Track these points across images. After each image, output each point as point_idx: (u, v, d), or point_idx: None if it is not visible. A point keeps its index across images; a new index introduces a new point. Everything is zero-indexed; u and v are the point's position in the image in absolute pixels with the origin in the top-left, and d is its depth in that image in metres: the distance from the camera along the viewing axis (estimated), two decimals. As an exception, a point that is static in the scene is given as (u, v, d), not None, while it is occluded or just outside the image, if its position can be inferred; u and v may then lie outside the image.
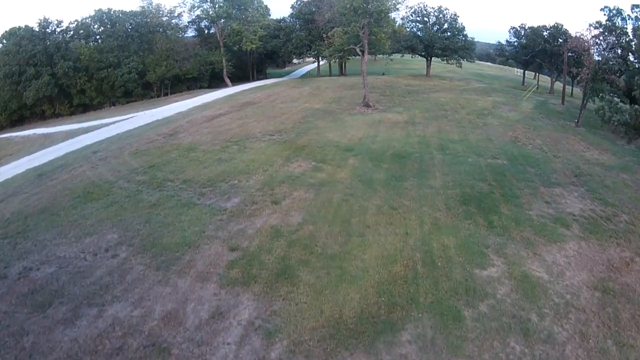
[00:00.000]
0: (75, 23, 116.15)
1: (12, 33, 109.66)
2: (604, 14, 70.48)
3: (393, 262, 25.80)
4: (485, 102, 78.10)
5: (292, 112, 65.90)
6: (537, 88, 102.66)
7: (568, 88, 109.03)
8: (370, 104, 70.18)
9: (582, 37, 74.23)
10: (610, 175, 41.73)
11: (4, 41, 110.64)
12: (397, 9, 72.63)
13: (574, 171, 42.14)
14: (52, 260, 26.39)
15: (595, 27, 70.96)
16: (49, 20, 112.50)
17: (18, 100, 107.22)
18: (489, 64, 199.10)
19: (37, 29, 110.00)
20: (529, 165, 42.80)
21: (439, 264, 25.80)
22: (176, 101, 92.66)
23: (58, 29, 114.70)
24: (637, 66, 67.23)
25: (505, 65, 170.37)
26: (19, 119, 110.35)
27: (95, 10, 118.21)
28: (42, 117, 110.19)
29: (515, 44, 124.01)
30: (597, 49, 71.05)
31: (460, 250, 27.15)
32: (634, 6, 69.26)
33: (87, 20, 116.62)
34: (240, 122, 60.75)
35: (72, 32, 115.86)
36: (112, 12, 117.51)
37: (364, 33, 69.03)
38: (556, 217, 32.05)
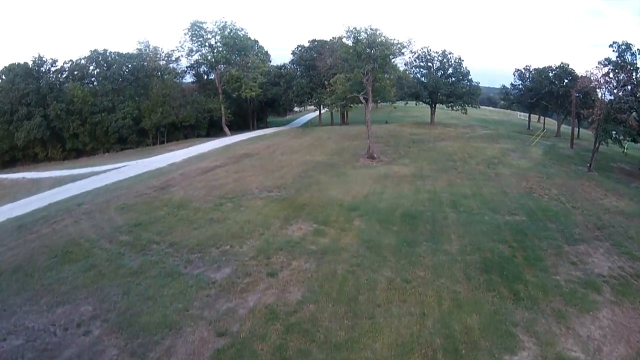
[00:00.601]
0: (70, 63, 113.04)
1: (10, 69, 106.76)
2: (613, 50, 68.63)
3: (409, 352, 21.73)
4: (494, 149, 75.85)
5: (292, 165, 62.25)
6: (545, 132, 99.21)
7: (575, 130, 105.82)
8: (375, 155, 66.55)
9: (591, 75, 71.04)
10: (633, 225, 40.10)
11: (3, 77, 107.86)
12: (402, 54, 69.47)
13: (595, 223, 39.87)
14: (20, 330, 23.49)
15: (605, 65, 68.58)
16: (44, 59, 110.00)
17: (10, 141, 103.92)
18: (490, 108, 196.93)
19: (31, 67, 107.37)
20: (549, 221, 39.85)
21: (463, 351, 21.87)
22: (172, 150, 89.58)
23: (53, 68, 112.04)
24: None
25: (509, 110, 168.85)
26: (10, 160, 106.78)
27: (90, 50, 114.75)
28: (34, 160, 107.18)
29: (520, 87, 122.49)
30: (607, 87, 68.59)
31: (486, 332, 23.29)
32: None
33: (82, 61, 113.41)
34: (236, 175, 57.05)
35: (66, 73, 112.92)
36: (107, 54, 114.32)
37: (367, 80, 65.80)
38: (585, 281, 29.13)
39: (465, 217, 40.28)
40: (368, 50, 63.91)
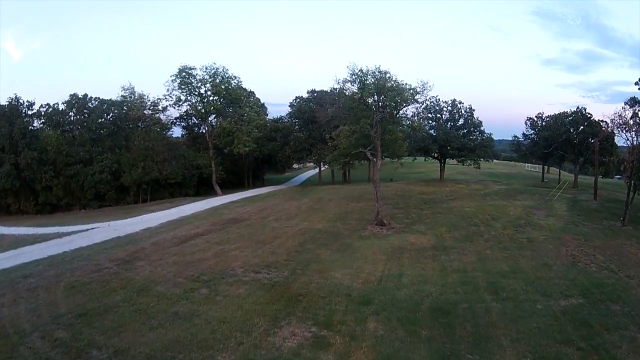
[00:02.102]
0: (47, 107, 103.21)
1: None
2: (639, 88, 65.02)
3: None
4: (515, 208, 67.96)
5: (287, 235, 52.58)
6: (566, 185, 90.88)
7: (588, 178, 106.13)
8: (385, 221, 56.77)
9: (619, 116, 63.01)
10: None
11: None
12: (416, 100, 58.84)
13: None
14: None
15: (631, 105, 63.05)
16: (20, 100, 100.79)
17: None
18: (495, 161, 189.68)
19: (6, 109, 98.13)
20: (609, 301, 31.87)
21: None
22: (152, 211, 79.55)
23: (29, 112, 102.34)
24: None
25: (519, 162, 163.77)
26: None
27: (70, 95, 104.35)
28: (7, 212, 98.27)
29: (532, 136, 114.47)
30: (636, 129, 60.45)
31: None
32: None
33: (62, 106, 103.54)
34: (218, 248, 47.09)
35: (43, 118, 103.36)
36: (87, 99, 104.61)
37: (376, 132, 56.09)
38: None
39: (512, 308, 30.71)
40: (376, 97, 55.01)
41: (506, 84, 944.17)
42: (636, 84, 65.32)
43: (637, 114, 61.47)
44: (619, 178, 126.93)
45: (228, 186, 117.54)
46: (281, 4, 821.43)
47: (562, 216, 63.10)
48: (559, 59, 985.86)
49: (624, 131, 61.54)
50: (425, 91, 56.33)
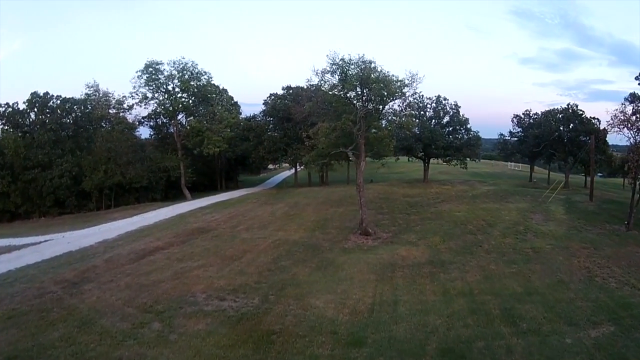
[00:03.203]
0: (6, 107, 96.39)
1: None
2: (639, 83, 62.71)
3: None
4: (510, 212, 63.02)
5: (258, 249, 46.33)
6: (560, 185, 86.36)
7: (578, 178, 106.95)
8: (370, 230, 50.80)
9: (621, 113, 58.90)
10: None
11: None
12: (404, 94, 52.25)
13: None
14: None
15: (631, 101, 61.37)
16: None
17: None
18: (481, 161, 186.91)
19: None
20: None
21: None
22: (114, 219, 72.86)
23: None
24: None
25: (501, 161, 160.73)
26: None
27: (31, 94, 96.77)
28: None
29: (519, 134, 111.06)
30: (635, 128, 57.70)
31: None
32: None
33: (21, 106, 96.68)
34: (179, 267, 40.71)
35: (2, 120, 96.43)
36: (48, 97, 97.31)
37: (359, 130, 50.07)
38: None
39: (538, 345, 25.28)
40: (360, 89, 49.12)
41: (485, 83, 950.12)
42: (636, 78, 62.86)
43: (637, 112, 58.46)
44: (600, 176, 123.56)
45: (200, 189, 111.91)
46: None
47: (561, 220, 58.90)
48: (537, 57, 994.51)
49: (626, 128, 57.94)
50: (414, 83, 50.23)
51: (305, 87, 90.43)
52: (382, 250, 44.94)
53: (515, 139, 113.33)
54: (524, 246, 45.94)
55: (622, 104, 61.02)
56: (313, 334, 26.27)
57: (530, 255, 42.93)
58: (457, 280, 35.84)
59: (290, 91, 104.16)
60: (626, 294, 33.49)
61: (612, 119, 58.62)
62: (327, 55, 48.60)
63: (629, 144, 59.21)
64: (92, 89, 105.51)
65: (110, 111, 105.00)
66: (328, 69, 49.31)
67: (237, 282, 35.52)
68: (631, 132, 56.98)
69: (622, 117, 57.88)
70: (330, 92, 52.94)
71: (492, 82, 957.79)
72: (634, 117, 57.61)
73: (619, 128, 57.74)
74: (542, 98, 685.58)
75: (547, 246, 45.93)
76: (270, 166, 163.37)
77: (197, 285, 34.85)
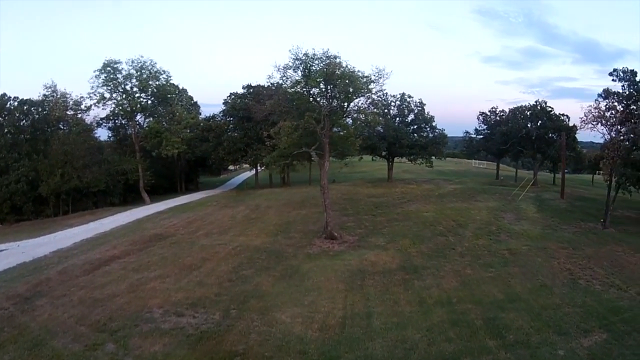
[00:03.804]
0: None
1: None
2: (613, 79, 61.48)
3: None
4: (480, 211, 62.16)
5: (218, 257, 43.87)
6: (530, 183, 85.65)
7: (545, 175, 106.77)
8: (335, 233, 48.85)
9: (594, 110, 58.66)
10: None
11: None
12: (370, 91, 50.35)
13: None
14: None
15: (604, 97, 60.04)
16: None
17: None
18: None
19: None
20: (636, 332, 26.84)
21: None
22: (71, 226, 69.78)
23: None
24: None
25: (465, 159, 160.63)
26: None
27: None
28: None
29: (485, 132, 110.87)
30: (611, 123, 57.94)
31: None
32: None
33: None
34: (135, 278, 38.15)
35: None
36: (5, 99, 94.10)
37: (323, 128, 48.07)
38: None
39: (529, 358, 23.99)
40: (324, 86, 47.15)
41: (448, 81, 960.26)
42: (610, 74, 61.53)
43: (615, 106, 58.56)
44: (566, 172, 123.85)
45: (159, 192, 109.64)
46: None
47: (534, 219, 58.41)
48: (501, 56, 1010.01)
49: (600, 124, 57.92)
50: (381, 79, 48.47)
51: (266, 85, 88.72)
52: (349, 255, 43.03)
53: (481, 136, 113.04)
54: (499, 248, 44.85)
55: (596, 100, 60.63)
56: (280, 354, 24.12)
57: (507, 258, 41.79)
58: (432, 288, 34.12)
59: (251, 90, 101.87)
60: (613, 296, 32.79)
61: (585, 115, 58.48)
62: (290, 51, 46.51)
63: (602, 140, 59.35)
64: (50, 89, 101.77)
65: (68, 112, 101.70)
66: (290, 64, 47.29)
67: (196, 295, 33.26)
68: (606, 128, 56.83)
69: (597, 114, 57.69)
70: (292, 90, 50.65)
71: (455, 81, 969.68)
72: (609, 114, 57.53)
73: (592, 124, 57.43)
74: (505, 96, 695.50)
75: (523, 247, 45.04)
76: (231, 167, 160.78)
77: (154, 299, 32.51)
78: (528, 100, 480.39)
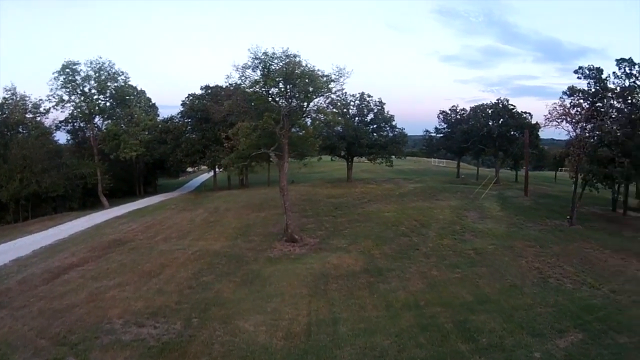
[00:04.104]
0: None
1: None
2: (579, 77, 62.67)
3: None
4: (443, 210, 61.94)
5: (178, 262, 42.36)
6: (492, 180, 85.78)
7: (507, 173, 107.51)
8: (296, 236, 47.75)
9: (559, 107, 59.45)
10: None
11: None
12: (330, 90, 49.38)
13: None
14: None
15: (569, 95, 61.08)
16: None
17: None
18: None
19: None
20: (612, 331, 26.73)
21: None
22: (30, 232, 66.91)
23: None
24: None
25: (424, 157, 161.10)
26: None
27: None
28: None
29: (445, 130, 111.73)
30: (575, 120, 58.59)
31: None
32: (620, 61, 61.28)
33: None
34: (94, 286, 36.50)
35: None
36: None
37: (282, 129, 46.97)
38: None
39: None
40: (283, 85, 46.06)
41: (407, 80, 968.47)
42: (575, 72, 62.48)
43: (581, 103, 59.64)
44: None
45: (118, 195, 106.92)
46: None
47: (498, 218, 58.41)
48: (460, 55, 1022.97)
49: (565, 122, 58.69)
50: (342, 78, 47.63)
51: (225, 85, 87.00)
52: (311, 258, 41.93)
53: (441, 135, 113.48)
54: (464, 247, 44.36)
55: (561, 97, 61.59)
56: (245, 363, 22.87)
57: (474, 258, 41.25)
58: (399, 291, 33.23)
59: (209, 90, 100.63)
60: (585, 295, 32.72)
61: (550, 112, 59.08)
62: (249, 50, 45.33)
63: (567, 137, 59.93)
64: (9, 92, 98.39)
65: (27, 116, 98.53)
66: (249, 64, 46.21)
67: (156, 304, 31.87)
68: (571, 125, 57.28)
69: (562, 111, 58.19)
70: (251, 89, 49.51)
71: (414, 80, 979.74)
72: (574, 111, 58.12)
73: (557, 122, 57.99)
74: (464, 95, 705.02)
75: (489, 246, 44.66)
76: (189, 169, 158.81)
77: (114, 309, 31.06)
78: (487, 98, 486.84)
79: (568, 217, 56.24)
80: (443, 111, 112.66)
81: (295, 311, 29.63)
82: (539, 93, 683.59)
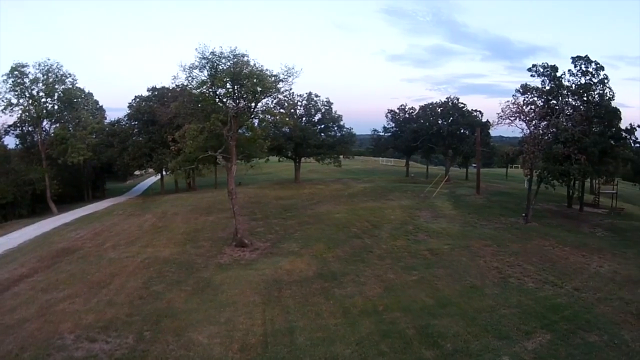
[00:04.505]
0: None
1: None
2: (532, 75, 64.45)
3: None
4: (394, 210, 61.86)
5: (127, 271, 40.55)
6: (443, 178, 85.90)
7: (457, 170, 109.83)
8: (246, 240, 46.51)
9: (513, 105, 58.99)
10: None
11: None
12: (279, 90, 48.35)
13: (633, 312, 28.99)
14: None
15: (522, 93, 62.55)
16: None
17: None
18: (355, 157, 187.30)
19: None
20: (581, 330, 26.37)
21: None
22: (-20, 242, 65.54)
23: None
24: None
25: (370, 157, 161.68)
26: None
27: None
28: None
29: (394, 129, 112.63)
30: (528, 118, 58.37)
31: None
32: (575, 59, 62.63)
33: None
34: (44, 299, 34.63)
35: None
36: None
37: (229, 131, 45.54)
38: None
39: None
40: (231, 86, 44.76)
41: (354, 80, 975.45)
42: (529, 69, 63.92)
43: (535, 101, 60.50)
44: (474, 166, 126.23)
45: (67, 200, 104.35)
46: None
47: (452, 216, 58.49)
48: (407, 54, 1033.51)
49: (519, 119, 58.50)
50: (291, 78, 46.66)
51: (172, 87, 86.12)
52: (262, 264, 40.65)
53: (389, 134, 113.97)
54: (419, 248, 43.71)
55: (514, 95, 62.76)
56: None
57: (430, 259, 40.58)
58: (355, 296, 32.12)
59: (156, 92, 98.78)
60: (549, 294, 32.31)
61: (503, 110, 58.91)
62: (197, 49, 43.92)
63: (521, 135, 59.98)
64: None
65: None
66: (197, 64, 44.91)
67: (107, 316, 30.19)
68: (525, 122, 57.20)
69: (515, 109, 58.12)
70: (198, 90, 47.90)
71: (361, 79, 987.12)
72: (528, 108, 58.23)
73: (510, 120, 57.84)
74: (411, 93, 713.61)
75: (445, 247, 44.18)
76: (137, 172, 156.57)
77: (65, 323, 29.34)
78: (434, 97, 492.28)
79: (523, 214, 56.43)
80: (391, 110, 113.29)
81: (249, 321, 28.32)
82: (486, 91, 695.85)
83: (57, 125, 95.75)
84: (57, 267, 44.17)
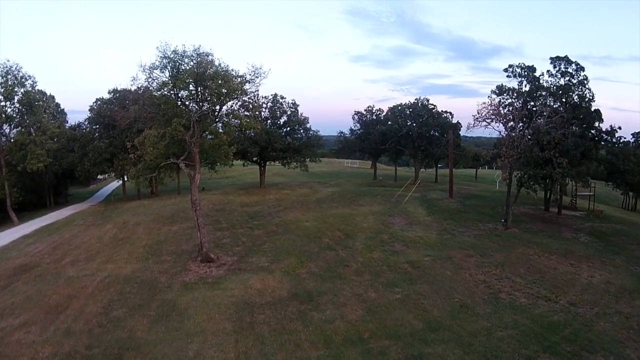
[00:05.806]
0: None
1: None
2: (508, 76, 63.08)
3: None
4: (366, 217, 59.67)
5: (86, 292, 37.34)
6: (414, 182, 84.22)
7: (425, 172, 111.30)
8: (212, 255, 43.70)
9: (489, 107, 57.80)
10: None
11: None
12: (245, 92, 45.34)
13: (633, 327, 28.34)
14: None
15: (498, 94, 61.61)
16: None
17: None
18: (322, 160, 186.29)
19: None
20: (585, 351, 25.25)
21: None
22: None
23: None
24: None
25: (334, 158, 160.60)
26: None
27: None
28: None
29: (360, 131, 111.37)
30: (505, 120, 57.44)
31: None
32: (555, 59, 61.32)
33: None
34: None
35: None
36: None
37: (192, 136, 42.76)
38: None
39: None
40: (194, 87, 42.25)
41: (318, 81, 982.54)
42: (505, 70, 62.92)
43: (513, 102, 60.04)
44: (440, 167, 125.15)
45: (29, 208, 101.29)
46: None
47: (427, 223, 56.55)
48: (369, 55, 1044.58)
49: (494, 121, 57.30)
50: (258, 79, 44.05)
51: (133, 88, 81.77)
52: (230, 282, 37.69)
53: (355, 136, 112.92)
54: (398, 260, 41.63)
55: (489, 96, 62.27)
56: None
57: (411, 273, 38.49)
58: (336, 321, 29.47)
59: (117, 94, 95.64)
60: (544, 310, 30.96)
61: (479, 112, 57.77)
62: (158, 48, 40.96)
63: (499, 136, 59.07)
64: None
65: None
66: (157, 63, 41.92)
67: (65, 349, 27.25)
68: (501, 123, 56.26)
69: (492, 110, 57.02)
70: (159, 93, 45.03)
71: (324, 80, 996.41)
72: (505, 110, 57.53)
73: (486, 121, 56.68)
74: (374, 94, 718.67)
75: (425, 258, 42.26)
76: (100, 177, 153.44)
77: (21, 358, 26.62)
78: (397, 98, 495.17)
79: (502, 220, 55.30)
80: (358, 112, 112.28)
81: (221, 354, 25.42)
82: (450, 91, 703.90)
83: (17, 130, 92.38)
84: (13, 288, 41.01)
